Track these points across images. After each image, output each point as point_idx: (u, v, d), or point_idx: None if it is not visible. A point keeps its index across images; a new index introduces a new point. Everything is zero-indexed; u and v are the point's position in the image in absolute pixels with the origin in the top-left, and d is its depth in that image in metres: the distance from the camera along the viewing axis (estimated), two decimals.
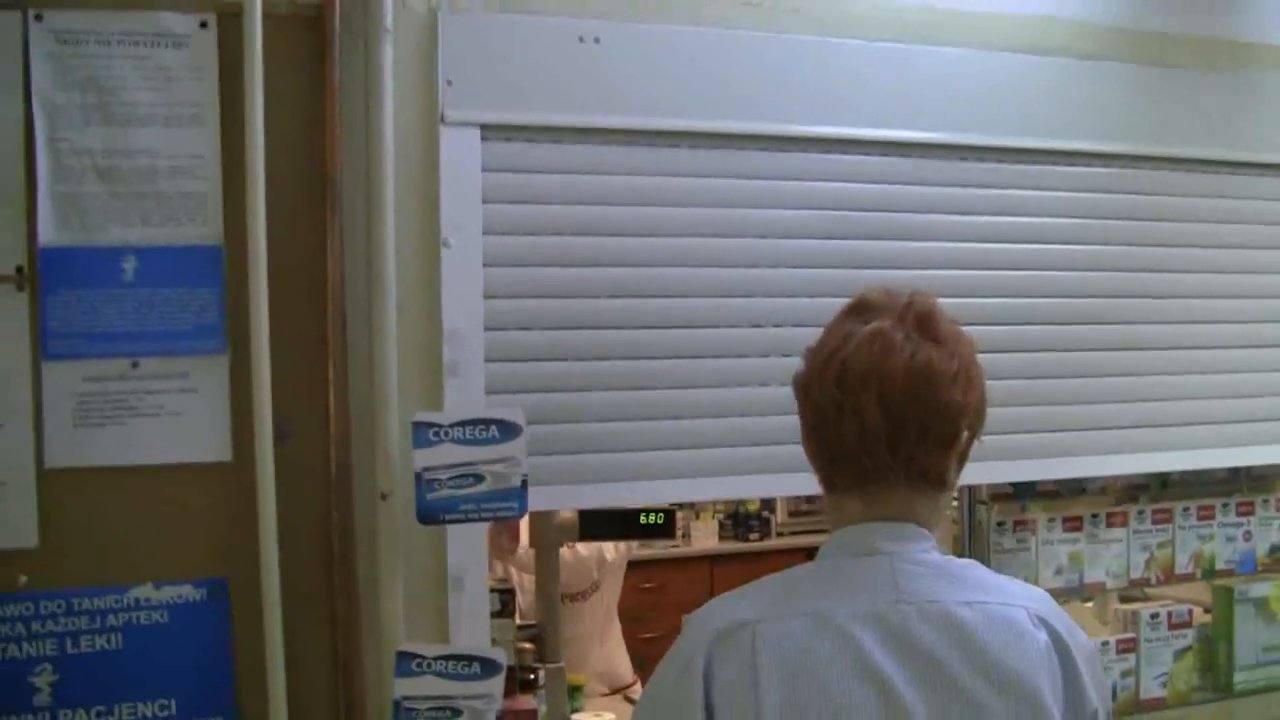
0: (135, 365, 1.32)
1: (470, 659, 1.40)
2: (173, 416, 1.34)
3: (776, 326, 1.56)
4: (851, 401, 1.03)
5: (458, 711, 1.40)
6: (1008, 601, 1.08)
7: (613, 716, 2.01)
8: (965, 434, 1.07)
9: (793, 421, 1.08)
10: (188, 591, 1.36)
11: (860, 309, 1.07)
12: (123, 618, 1.34)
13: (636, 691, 2.34)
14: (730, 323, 1.55)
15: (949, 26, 1.65)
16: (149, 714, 1.35)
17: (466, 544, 1.45)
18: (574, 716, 2.00)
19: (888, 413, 1.03)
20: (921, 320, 1.05)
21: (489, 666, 1.40)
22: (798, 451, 1.08)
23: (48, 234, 1.28)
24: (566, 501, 1.66)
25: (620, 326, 1.50)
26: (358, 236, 1.38)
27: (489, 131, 1.43)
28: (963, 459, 1.09)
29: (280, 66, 1.34)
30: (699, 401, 1.54)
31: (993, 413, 1.07)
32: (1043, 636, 1.07)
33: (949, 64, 1.64)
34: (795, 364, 1.08)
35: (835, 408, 1.04)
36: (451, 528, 1.43)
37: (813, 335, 1.08)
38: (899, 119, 1.61)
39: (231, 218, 1.34)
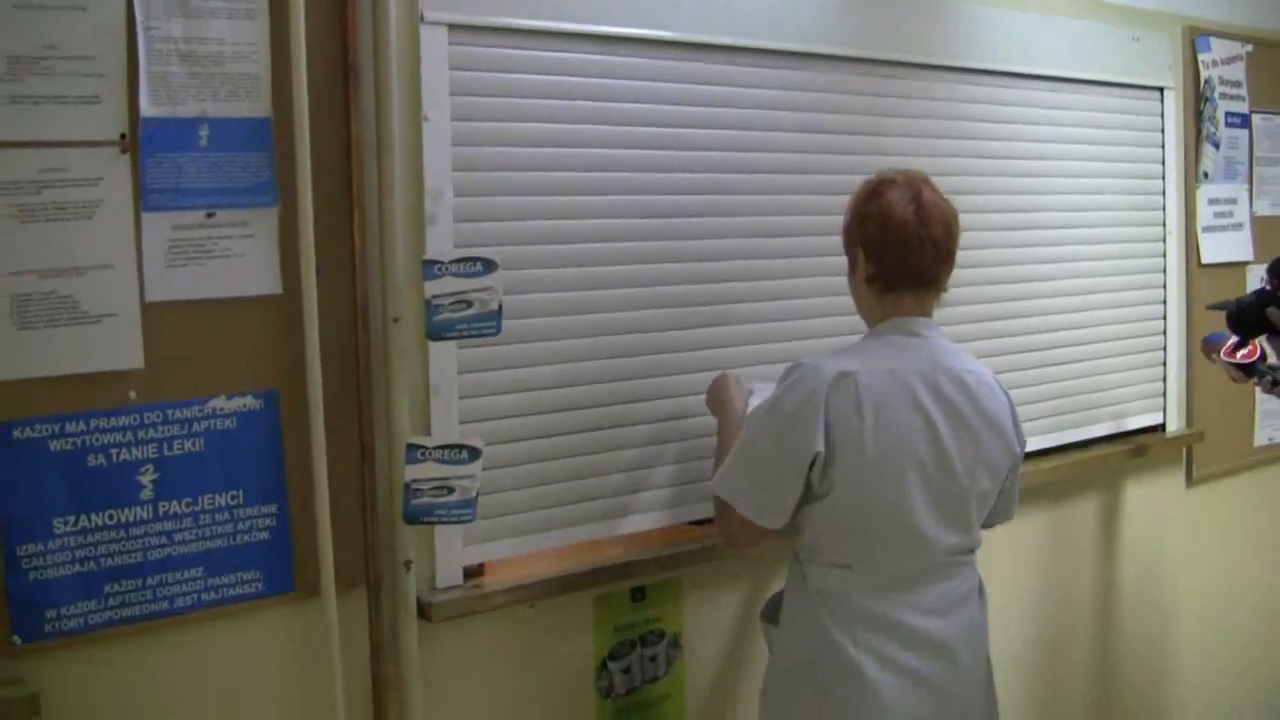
0: (210, 215, 1.98)
1: (460, 447, 2.19)
2: (238, 258, 2.00)
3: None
4: (929, 235, 2.10)
5: (451, 489, 2.20)
6: (985, 371, 2.20)
7: None
8: None
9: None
10: (250, 402, 2.04)
11: (890, 183, 2.15)
12: (204, 425, 2.00)
13: None
14: (634, 169, 2.46)
15: None
16: (224, 503, 2.02)
17: (443, 360, 2.24)
18: None
19: (938, 246, 2.12)
20: (930, 184, 2.16)
21: (473, 453, 2.20)
22: None
23: (145, 106, 1.91)
24: None
25: (559, 194, 2.36)
26: (368, 112, 2.12)
27: (454, 30, 2.21)
28: None
29: None
30: (617, 229, 2.44)
31: None
32: (1005, 397, 2.22)
33: None
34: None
35: (918, 240, 2.10)
36: (432, 345, 2.22)
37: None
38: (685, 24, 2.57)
39: (279, 94, 2.02)
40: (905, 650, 2.11)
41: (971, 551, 2.21)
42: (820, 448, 2.04)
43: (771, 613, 2.31)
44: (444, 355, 2.24)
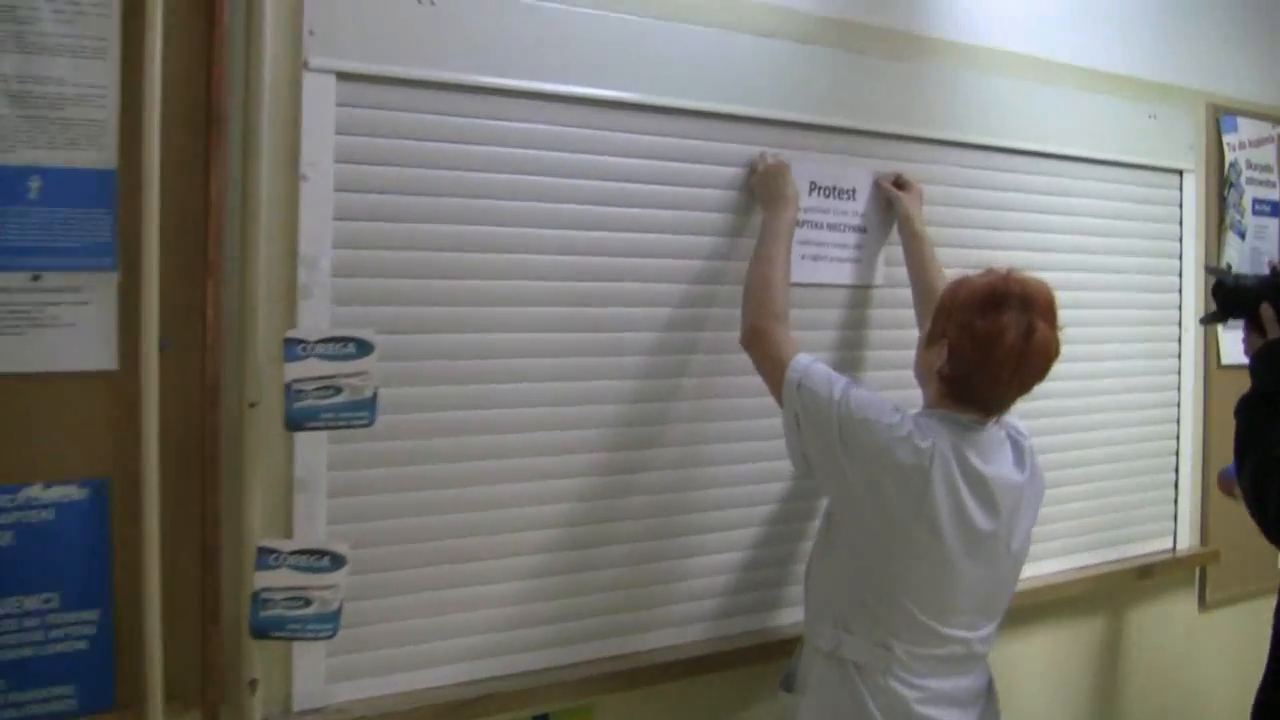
0: (36, 278, 1.82)
1: (321, 553, 2.02)
2: (68, 328, 1.84)
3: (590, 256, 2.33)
4: (1023, 377, 2.14)
5: (309, 601, 2.02)
6: (1039, 466, 2.31)
7: None
8: None
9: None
10: (73, 492, 1.87)
11: (1010, 300, 2.11)
12: (14, 517, 1.83)
13: None
14: (546, 250, 2.28)
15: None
16: (34, 607, 1.85)
17: (311, 452, 2.08)
18: None
19: (1025, 387, 2.17)
20: (1050, 313, 2.14)
21: (337, 560, 2.03)
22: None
23: None
24: None
25: (455, 249, 2.19)
26: (235, 168, 1.97)
27: (344, 79, 2.05)
28: None
29: (177, 7, 1.89)
30: (521, 317, 2.27)
31: None
32: (1040, 478, 2.32)
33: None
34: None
35: (1008, 378, 2.13)
36: (299, 435, 2.05)
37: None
38: (665, 87, 2.41)
39: (127, 145, 1.86)
40: None
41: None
42: (841, 458, 2.13)
43: (789, 681, 2.38)
44: (312, 447, 2.07)
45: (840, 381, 2.18)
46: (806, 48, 2.62)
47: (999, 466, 2.20)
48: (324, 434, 2.06)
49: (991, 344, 2.12)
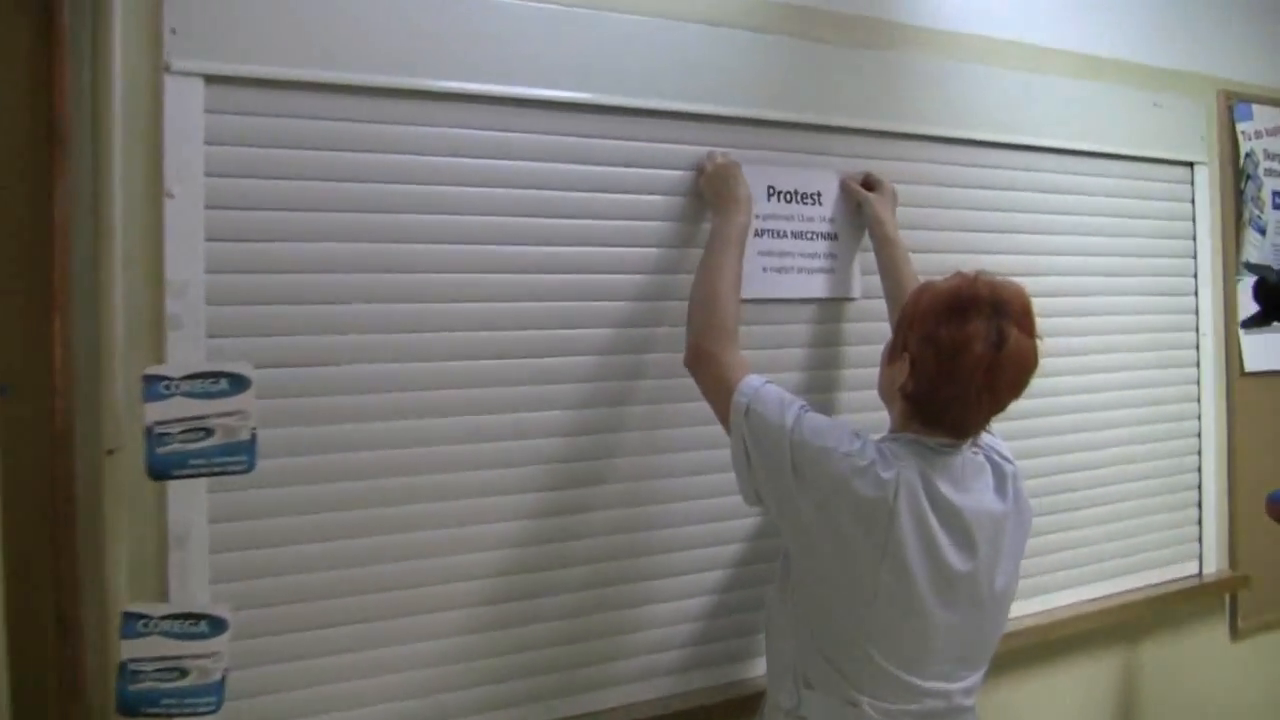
0: None
1: (197, 617, 1.79)
2: None
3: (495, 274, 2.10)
4: (995, 391, 1.87)
5: (185, 671, 1.80)
6: (1023, 491, 2.04)
7: None
8: None
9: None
10: None
11: (979, 305, 1.85)
12: None
13: None
14: (453, 269, 2.06)
15: None
16: None
17: (188, 503, 1.86)
18: None
19: (998, 403, 1.90)
20: (1027, 319, 1.88)
21: (216, 624, 1.80)
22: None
23: None
24: None
25: (348, 270, 1.98)
26: (84, 187, 1.75)
27: (213, 82, 1.84)
28: None
29: (7, 9, 1.68)
30: (428, 344, 2.05)
31: None
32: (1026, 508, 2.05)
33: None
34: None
35: (978, 395, 1.86)
36: (173, 484, 1.83)
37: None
38: (591, 83, 2.19)
39: None
40: None
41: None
42: (794, 491, 1.90)
43: None
44: (188, 498, 1.86)
45: (795, 405, 1.95)
46: (762, 37, 2.39)
47: (976, 496, 1.96)
48: (203, 482, 1.85)
49: (957, 355, 1.87)
